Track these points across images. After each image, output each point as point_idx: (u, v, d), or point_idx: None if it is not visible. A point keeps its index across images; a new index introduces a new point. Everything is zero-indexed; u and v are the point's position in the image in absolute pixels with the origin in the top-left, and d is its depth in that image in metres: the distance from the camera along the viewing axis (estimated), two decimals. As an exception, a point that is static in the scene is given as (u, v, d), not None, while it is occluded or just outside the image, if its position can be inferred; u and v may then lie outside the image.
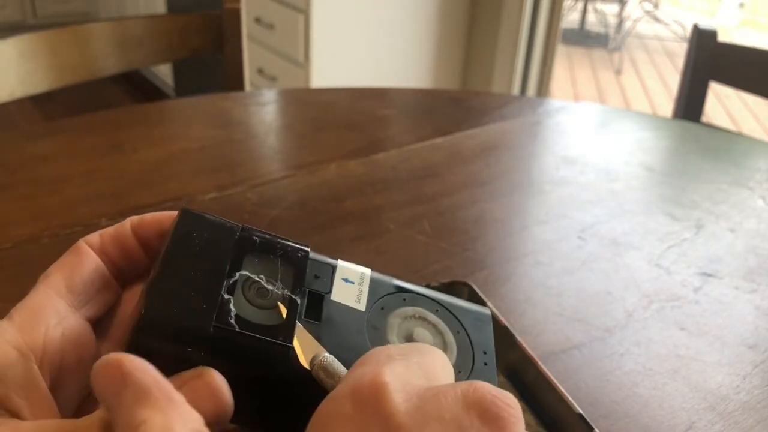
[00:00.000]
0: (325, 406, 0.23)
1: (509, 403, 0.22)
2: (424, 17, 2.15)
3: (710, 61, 1.22)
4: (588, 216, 0.73)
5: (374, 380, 0.22)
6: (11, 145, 0.83)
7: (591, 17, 4.74)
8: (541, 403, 0.45)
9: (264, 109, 0.99)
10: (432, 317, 0.29)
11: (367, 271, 0.29)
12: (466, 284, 0.52)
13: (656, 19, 4.87)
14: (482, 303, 0.51)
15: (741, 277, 0.64)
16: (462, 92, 1.21)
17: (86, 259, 0.27)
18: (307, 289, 0.27)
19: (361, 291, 0.28)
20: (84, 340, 0.26)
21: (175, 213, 0.28)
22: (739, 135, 1.07)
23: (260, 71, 2.22)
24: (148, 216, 0.29)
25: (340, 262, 0.29)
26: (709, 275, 0.64)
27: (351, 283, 0.28)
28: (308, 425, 0.23)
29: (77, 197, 0.71)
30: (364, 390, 0.22)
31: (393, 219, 0.70)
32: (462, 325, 0.29)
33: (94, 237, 0.28)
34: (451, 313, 0.29)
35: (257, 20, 2.15)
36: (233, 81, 1.18)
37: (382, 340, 0.27)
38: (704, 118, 1.30)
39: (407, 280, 0.30)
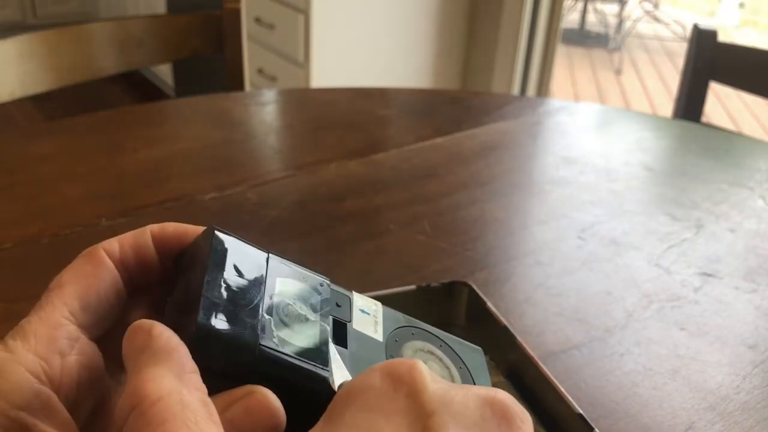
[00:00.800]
0: (354, 381, 0.24)
1: (524, 410, 0.24)
2: (424, 17, 2.15)
3: (710, 61, 1.22)
4: (588, 216, 0.73)
5: (410, 363, 0.23)
6: (11, 145, 0.83)
7: (591, 17, 4.74)
8: (541, 403, 0.45)
9: (264, 109, 0.99)
10: (438, 352, 0.30)
11: (378, 303, 0.31)
12: (466, 284, 0.52)
13: (656, 19, 4.87)
14: (482, 303, 0.51)
15: (741, 277, 0.64)
16: (462, 92, 1.22)
17: (103, 271, 0.26)
18: (332, 317, 0.28)
19: (376, 322, 0.30)
20: (95, 362, 0.25)
21: (195, 227, 0.28)
22: (739, 135, 1.07)
23: (260, 71, 2.22)
24: (170, 226, 0.28)
25: (355, 294, 0.30)
26: (709, 275, 0.64)
27: (367, 314, 0.29)
28: (333, 399, 0.23)
29: (77, 197, 0.71)
30: (399, 368, 0.23)
31: (393, 219, 0.70)
32: (462, 361, 0.31)
33: (113, 245, 0.27)
34: (452, 349, 0.31)
35: (257, 20, 2.15)
36: (233, 81, 1.18)
37: None
38: (704, 118, 1.30)
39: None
